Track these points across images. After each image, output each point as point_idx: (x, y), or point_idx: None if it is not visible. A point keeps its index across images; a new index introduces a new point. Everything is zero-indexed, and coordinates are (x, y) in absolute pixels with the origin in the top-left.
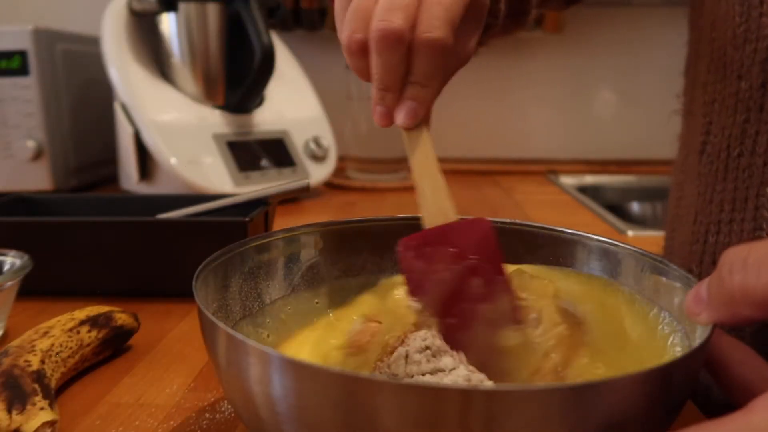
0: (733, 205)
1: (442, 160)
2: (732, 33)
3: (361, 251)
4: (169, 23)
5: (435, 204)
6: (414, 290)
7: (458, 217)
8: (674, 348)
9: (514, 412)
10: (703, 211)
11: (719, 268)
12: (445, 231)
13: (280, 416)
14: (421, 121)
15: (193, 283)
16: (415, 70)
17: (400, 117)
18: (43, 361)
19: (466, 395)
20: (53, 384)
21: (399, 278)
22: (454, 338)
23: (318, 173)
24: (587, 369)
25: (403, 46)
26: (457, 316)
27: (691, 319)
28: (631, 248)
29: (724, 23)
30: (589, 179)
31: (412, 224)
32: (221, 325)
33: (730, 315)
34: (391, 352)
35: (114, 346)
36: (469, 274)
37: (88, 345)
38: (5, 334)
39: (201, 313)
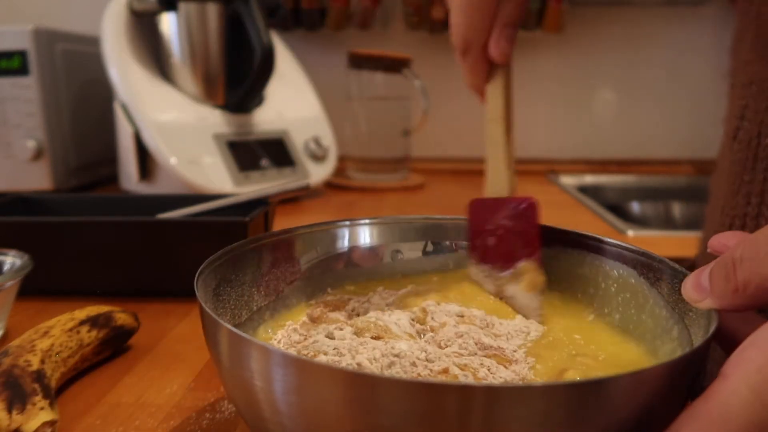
0: (762, 198)
1: (442, 160)
2: None
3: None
4: (169, 23)
5: (494, 178)
6: (473, 237)
7: (511, 194)
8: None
9: (513, 409)
10: (729, 203)
11: (725, 264)
12: (499, 203)
13: (283, 413)
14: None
15: (195, 282)
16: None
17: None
18: (43, 361)
19: (466, 391)
20: (53, 384)
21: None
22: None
23: (318, 173)
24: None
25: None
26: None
27: (693, 305)
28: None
29: None
30: (589, 179)
31: (414, 225)
32: (223, 323)
33: (734, 306)
34: None
35: (114, 346)
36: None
37: (88, 345)
38: (5, 334)
39: (203, 311)
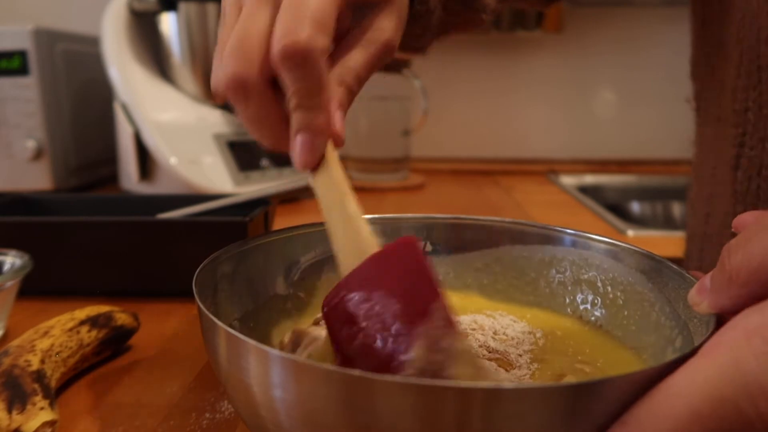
0: None
1: (442, 160)
2: (767, 32)
3: None
4: (169, 23)
5: (348, 241)
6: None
7: (378, 246)
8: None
9: (512, 411)
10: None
11: (720, 257)
12: (365, 274)
13: (281, 415)
14: (323, 153)
15: (194, 283)
16: (288, 91)
17: (296, 159)
18: (43, 361)
19: (465, 393)
20: (53, 384)
21: None
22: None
23: None
24: None
25: (252, 88)
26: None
27: (694, 308)
28: (634, 248)
29: (755, 21)
30: (589, 179)
31: (412, 224)
32: (221, 324)
33: (730, 298)
34: None
35: (114, 346)
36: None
37: (88, 345)
38: (5, 334)
39: (201, 312)
